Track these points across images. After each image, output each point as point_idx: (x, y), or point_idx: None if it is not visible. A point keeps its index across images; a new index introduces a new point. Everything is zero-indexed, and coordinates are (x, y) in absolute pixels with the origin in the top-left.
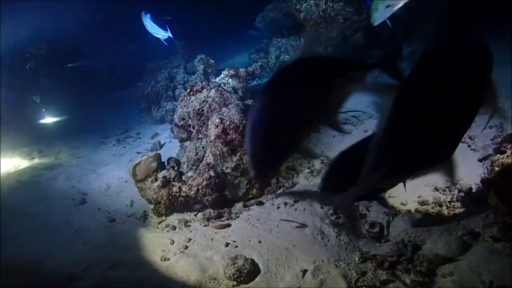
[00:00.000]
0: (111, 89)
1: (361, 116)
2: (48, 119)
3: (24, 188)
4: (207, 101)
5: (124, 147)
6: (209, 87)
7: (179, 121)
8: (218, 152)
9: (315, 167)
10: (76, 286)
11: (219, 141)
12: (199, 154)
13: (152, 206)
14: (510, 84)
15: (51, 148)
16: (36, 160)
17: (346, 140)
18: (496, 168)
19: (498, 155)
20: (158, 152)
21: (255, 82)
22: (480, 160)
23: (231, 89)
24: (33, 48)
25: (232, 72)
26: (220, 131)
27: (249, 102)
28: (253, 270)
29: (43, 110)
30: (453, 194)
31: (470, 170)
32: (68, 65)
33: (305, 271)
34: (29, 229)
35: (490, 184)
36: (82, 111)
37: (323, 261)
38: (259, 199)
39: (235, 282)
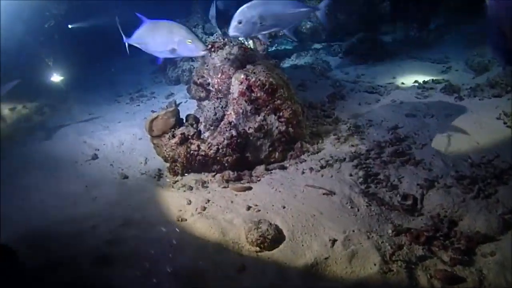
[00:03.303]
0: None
1: (387, 86)
2: (57, 77)
3: (34, 141)
4: (229, 59)
5: (138, 105)
6: (231, 44)
7: (198, 79)
8: (241, 111)
9: (342, 133)
10: (84, 244)
11: (242, 99)
12: (217, 114)
13: (167, 165)
14: None
15: (62, 104)
16: (48, 115)
17: (374, 108)
18: None
19: None
20: (176, 107)
21: (273, 48)
22: None
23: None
24: (54, 7)
25: None
26: (244, 88)
27: (273, 61)
28: (277, 237)
29: (54, 74)
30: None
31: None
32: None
33: (334, 241)
34: (37, 183)
35: None
36: (95, 71)
37: (353, 231)
38: (282, 163)
39: (258, 248)
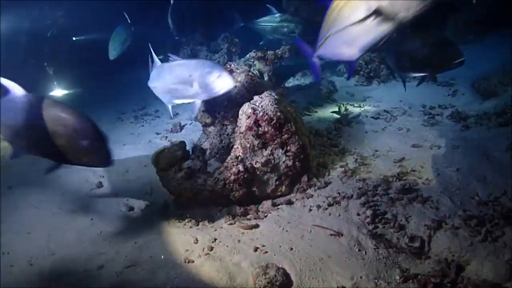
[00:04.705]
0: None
1: (393, 111)
2: (58, 91)
3: (36, 163)
4: (235, 86)
5: (142, 125)
6: (238, 71)
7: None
8: (248, 145)
9: (349, 166)
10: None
11: (250, 133)
12: (223, 142)
13: (173, 197)
14: None
15: None
16: None
17: (380, 137)
18: None
19: None
20: (183, 140)
21: (277, 64)
22: None
23: (257, 71)
24: (54, 16)
25: (259, 54)
26: (252, 122)
27: (281, 90)
28: (285, 283)
29: (55, 82)
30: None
31: None
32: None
33: None
34: (42, 215)
35: None
36: (97, 85)
37: (361, 277)
38: (288, 197)
39: None
